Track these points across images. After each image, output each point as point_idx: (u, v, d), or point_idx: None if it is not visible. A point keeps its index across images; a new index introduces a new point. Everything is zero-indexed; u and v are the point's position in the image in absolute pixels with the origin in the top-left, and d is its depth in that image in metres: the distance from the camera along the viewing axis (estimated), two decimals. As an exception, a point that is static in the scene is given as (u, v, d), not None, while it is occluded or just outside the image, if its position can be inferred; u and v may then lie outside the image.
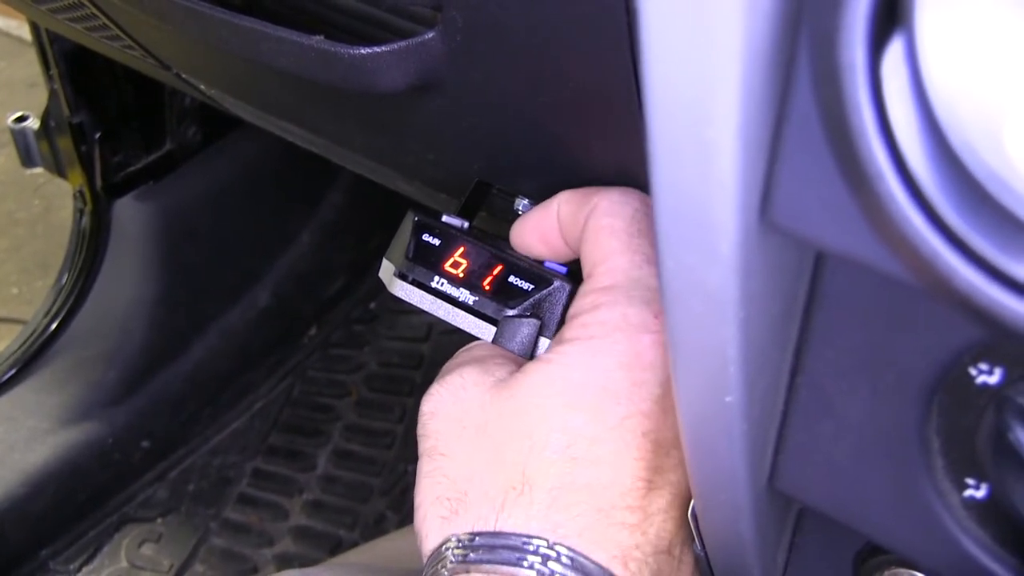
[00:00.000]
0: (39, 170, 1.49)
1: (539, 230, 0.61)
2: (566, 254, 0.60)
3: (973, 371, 0.36)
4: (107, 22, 0.89)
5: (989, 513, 0.38)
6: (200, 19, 0.63)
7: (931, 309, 0.34)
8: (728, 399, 0.37)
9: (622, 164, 0.58)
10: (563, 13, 0.48)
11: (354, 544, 1.43)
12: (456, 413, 0.54)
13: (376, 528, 1.42)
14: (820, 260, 0.36)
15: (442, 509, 0.52)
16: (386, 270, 0.65)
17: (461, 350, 0.60)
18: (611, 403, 0.50)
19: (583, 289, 0.55)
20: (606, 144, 0.58)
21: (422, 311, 0.63)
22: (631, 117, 0.50)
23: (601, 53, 0.49)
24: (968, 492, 0.38)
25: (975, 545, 0.39)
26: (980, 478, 0.38)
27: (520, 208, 0.70)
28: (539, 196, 0.69)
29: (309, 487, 1.48)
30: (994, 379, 0.36)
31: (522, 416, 0.51)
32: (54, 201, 2.18)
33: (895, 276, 0.30)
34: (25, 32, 2.58)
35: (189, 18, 0.65)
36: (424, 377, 1.58)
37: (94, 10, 0.88)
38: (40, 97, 1.42)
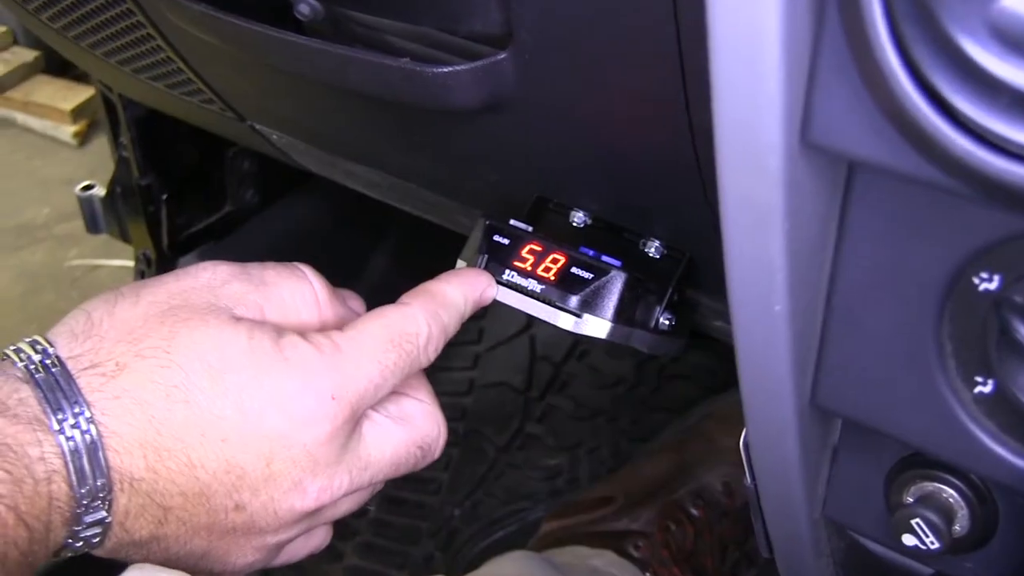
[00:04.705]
0: (76, 263, 1.56)
1: None
2: None
3: (976, 280, 0.44)
4: (191, 76, 0.99)
5: (996, 405, 0.46)
6: (289, 48, 0.71)
7: (941, 220, 0.42)
8: (777, 308, 0.45)
9: (671, 168, 0.66)
10: (619, 23, 0.57)
11: (404, 584, 1.49)
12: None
13: (425, 567, 1.48)
14: (848, 189, 0.44)
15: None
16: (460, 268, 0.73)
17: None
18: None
19: None
20: (659, 151, 0.66)
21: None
22: (680, 116, 0.58)
23: (654, 59, 0.57)
24: (978, 388, 0.46)
25: (985, 434, 0.46)
26: (987, 375, 0.45)
27: (575, 221, 0.78)
28: (595, 207, 0.78)
29: (361, 531, 1.55)
30: (994, 285, 0.43)
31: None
32: (89, 292, 2.26)
33: (918, 175, 0.38)
34: (60, 133, 2.66)
35: (280, 48, 0.72)
36: (466, 427, 1.64)
37: (180, 64, 0.97)
38: (70, 195, 1.58)
